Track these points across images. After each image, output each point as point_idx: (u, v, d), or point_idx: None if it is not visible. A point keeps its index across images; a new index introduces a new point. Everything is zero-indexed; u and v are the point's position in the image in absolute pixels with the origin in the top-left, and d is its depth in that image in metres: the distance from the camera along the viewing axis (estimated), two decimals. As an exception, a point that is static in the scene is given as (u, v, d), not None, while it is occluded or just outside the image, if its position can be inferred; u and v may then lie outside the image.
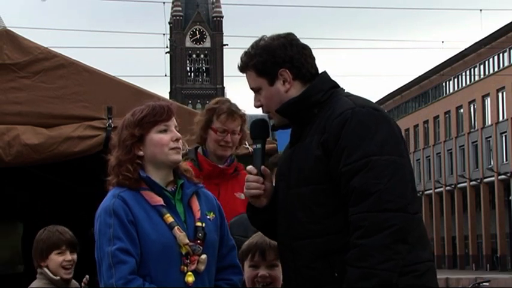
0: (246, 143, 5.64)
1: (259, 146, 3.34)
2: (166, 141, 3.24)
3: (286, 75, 3.23)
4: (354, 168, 3.01)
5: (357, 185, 2.99)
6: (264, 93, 3.28)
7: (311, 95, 3.22)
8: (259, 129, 3.39)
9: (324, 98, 3.21)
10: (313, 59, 3.29)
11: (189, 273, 3.17)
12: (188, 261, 3.18)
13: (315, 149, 3.12)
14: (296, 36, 3.30)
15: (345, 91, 3.29)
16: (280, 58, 3.22)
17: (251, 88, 3.32)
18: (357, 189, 2.99)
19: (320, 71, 3.31)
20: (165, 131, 3.26)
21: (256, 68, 3.26)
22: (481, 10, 53.41)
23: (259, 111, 4.87)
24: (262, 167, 3.31)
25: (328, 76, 3.30)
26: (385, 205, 2.95)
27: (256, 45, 3.27)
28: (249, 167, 3.31)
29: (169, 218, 3.18)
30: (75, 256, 4.38)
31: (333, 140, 3.07)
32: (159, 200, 3.21)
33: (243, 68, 3.31)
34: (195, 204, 3.30)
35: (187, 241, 3.17)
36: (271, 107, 3.28)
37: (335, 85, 3.28)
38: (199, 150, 4.70)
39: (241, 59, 3.30)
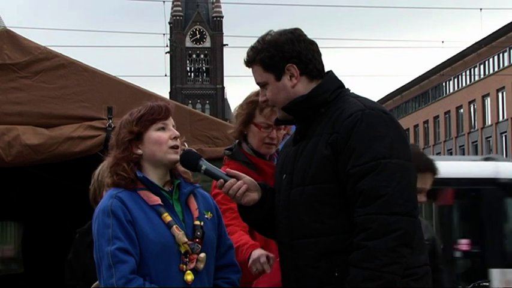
0: None
1: (203, 167, 3.29)
2: (165, 139, 3.25)
3: (293, 70, 3.23)
4: (363, 170, 3.01)
5: (366, 186, 2.99)
6: (271, 88, 3.28)
7: (319, 94, 3.22)
8: (191, 159, 3.32)
9: (331, 98, 3.22)
10: (320, 55, 3.30)
11: (188, 271, 3.18)
12: (187, 259, 3.19)
13: (322, 148, 3.12)
14: (303, 32, 3.30)
15: (350, 91, 3.30)
16: (288, 53, 3.22)
17: (257, 83, 3.32)
18: (365, 191, 2.99)
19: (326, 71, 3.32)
20: (163, 129, 3.28)
21: (264, 62, 3.25)
22: (481, 9, 53.35)
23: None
24: (226, 170, 3.32)
25: (335, 76, 3.31)
26: (394, 208, 2.96)
27: (263, 40, 3.27)
28: (217, 184, 3.28)
29: (168, 217, 3.19)
30: None
31: (342, 141, 3.07)
32: (156, 200, 3.22)
33: (249, 63, 3.31)
34: (193, 204, 3.31)
35: (185, 240, 3.18)
36: (277, 102, 3.28)
37: (341, 85, 3.30)
38: (246, 148, 4.14)
39: (248, 53, 3.30)
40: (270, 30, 3.30)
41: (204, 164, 3.30)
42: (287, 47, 3.22)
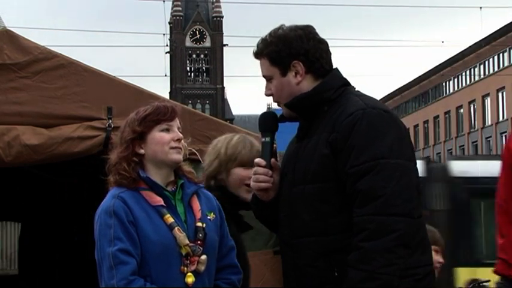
0: None
1: (268, 139, 3.32)
2: (167, 140, 3.24)
3: (298, 68, 3.22)
4: (361, 170, 2.99)
5: (364, 187, 2.97)
6: (275, 83, 3.27)
7: (322, 92, 3.20)
8: (269, 122, 3.37)
9: (335, 96, 3.20)
10: (329, 54, 3.28)
11: (189, 273, 3.17)
12: (188, 261, 3.17)
13: (322, 147, 3.10)
14: (315, 30, 3.28)
15: (356, 89, 3.28)
16: (295, 50, 3.21)
17: (263, 76, 3.31)
18: (363, 191, 2.97)
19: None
20: (167, 130, 3.27)
21: (270, 56, 3.24)
22: (481, 8, 53.48)
23: (260, 112, 4.84)
24: (272, 159, 3.30)
25: (340, 73, 3.29)
26: (392, 209, 2.94)
27: (274, 34, 3.26)
28: (258, 159, 3.28)
29: (170, 219, 3.18)
30: None
31: (342, 140, 3.05)
32: (159, 200, 3.20)
33: (257, 54, 3.29)
34: (196, 204, 3.30)
35: (187, 242, 3.17)
36: (281, 97, 3.27)
37: (346, 83, 3.27)
38: None
39: (257, 45, 3.29)
40: (282, 25, 3.28)
41: (269, 138, 3.32)
42: (295, 44, 3.21)
